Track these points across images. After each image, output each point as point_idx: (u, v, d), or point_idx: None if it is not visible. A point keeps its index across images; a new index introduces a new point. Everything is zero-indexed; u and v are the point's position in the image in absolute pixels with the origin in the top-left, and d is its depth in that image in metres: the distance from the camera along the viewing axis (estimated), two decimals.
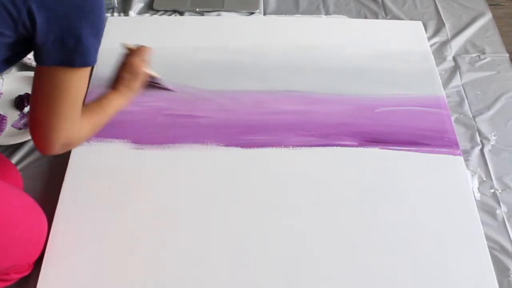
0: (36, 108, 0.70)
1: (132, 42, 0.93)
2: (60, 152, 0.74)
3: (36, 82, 0.69)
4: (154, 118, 1.03)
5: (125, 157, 0.96)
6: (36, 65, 0.68)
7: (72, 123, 0.71)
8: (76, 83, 0.68)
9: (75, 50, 0.64)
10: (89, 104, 0.81)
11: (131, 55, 0.91)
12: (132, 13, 1.27)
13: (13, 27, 0.61)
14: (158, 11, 1.29)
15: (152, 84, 1.01)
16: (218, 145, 0.98)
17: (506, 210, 0.92)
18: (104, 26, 0.68)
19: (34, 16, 0.60)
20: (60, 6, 0.61)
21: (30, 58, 1.12)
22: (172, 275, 0.82)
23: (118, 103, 0.86)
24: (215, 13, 1.28)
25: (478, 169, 0.98)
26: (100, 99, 0.84)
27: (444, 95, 1.09)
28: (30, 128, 0.72)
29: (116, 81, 0.89)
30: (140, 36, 1.16)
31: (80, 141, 0.77)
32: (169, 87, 1.05)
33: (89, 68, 0.69)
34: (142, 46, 0.92)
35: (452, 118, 1.05)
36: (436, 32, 1.24)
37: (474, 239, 0.87)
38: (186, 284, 0.81)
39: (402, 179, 0.94)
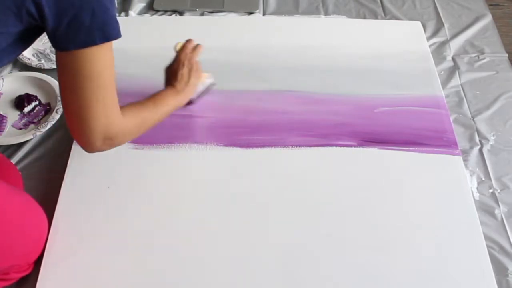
0: (65, 99, 0.66)
1: (181, 40, 0.95)
2: (105, 148, 0.70)
3: (60, 71, 0.65)
4: None
5: (124, 157, 0.96)
6: (56, 53, 0.64)
7: (107, 110, 0.66)
8: (101, 62, 0.64)
9: (92, 26, 0.61)
10: (141, 100, 0.79)
11: (182, 50, 0.92)
12: (132, 13, 1.27)
13: (18, 15, 0.59)
14: (158, 11, 1.29)
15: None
16: (218, 145, 0.98)
17: (505, 210, 0.92)
18: None
19: (40, 3, 0.58)
20: None
21: (30, 58, 1.13)
22: (172, 274, 0.82)
23: (174, 100, 0.85)
24: (215, 13, 1.29)
25: (477, 169, 0.98)
26: (153, 95, 0.81)
27: (443, 95, 1.09)
28: (68, 125, 0.68)
29: (172, 79, 0.88)
30: (140, 36, 1.17)
31: (126, 136, 0.72)
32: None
33: (111, 44, 0.64)
34: (190, 40, 0.93)
35: (451, 118, 1.05)
36: (435, 32, 1.24)
37: (473, 239, 0.87)
38: (186, 283, 0.81)
39: (401, 179, 0.94)
